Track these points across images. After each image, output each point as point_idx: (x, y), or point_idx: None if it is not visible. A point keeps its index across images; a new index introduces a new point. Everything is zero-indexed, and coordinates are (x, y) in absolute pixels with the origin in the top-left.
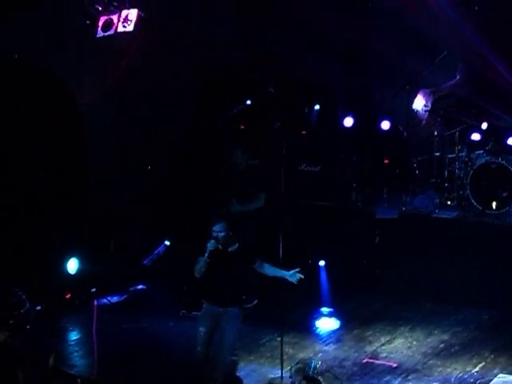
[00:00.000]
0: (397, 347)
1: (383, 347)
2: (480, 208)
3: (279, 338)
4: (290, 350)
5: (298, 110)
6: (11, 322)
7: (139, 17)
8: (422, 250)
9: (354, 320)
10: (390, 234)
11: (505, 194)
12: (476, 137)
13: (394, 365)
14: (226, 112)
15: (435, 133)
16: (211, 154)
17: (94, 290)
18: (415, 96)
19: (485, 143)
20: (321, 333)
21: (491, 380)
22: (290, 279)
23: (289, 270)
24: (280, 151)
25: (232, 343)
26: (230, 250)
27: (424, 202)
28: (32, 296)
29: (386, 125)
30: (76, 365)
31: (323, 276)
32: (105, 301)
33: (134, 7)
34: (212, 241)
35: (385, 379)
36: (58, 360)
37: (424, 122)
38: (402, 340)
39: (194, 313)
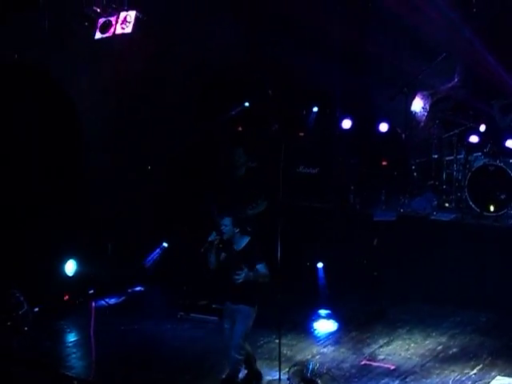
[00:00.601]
0: (395, 349)
1: (381, 349)
2: (478, 210)
3: (277, 340)
4: (288, 352)
5: (296, 112)
6: (9, 323)
7: (137, 18)
8: (420, 253)
9: (352, 322)
10: (388, 236)
11: (503, 197)
12: (474, 139)
13: (392, 367)
14: (225, 114)
15: (433, 135)
16: (209, 156)
17: (91, 291)
18: (413, 98)
19: (483, 145)
20: (319, 335)
21: (489, 382)
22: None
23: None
24: (278, 153)
25: (238, 342)
26: (238, 248)
27: (422, 205)
28: (30, 297)
29: (384, 127)
30: (74, 366)
31: (321, 278)
32: (103, 302)
33: (132, 9)
34: (213, 233)
35: (383, 381)
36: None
37: (422, 124)
38: (400, 342)
39: (191, 315)
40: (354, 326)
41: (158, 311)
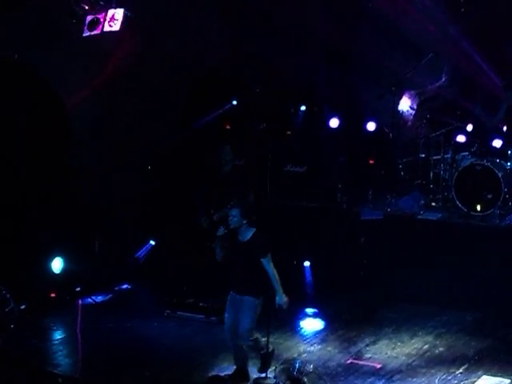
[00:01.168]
0: (381, 348)
1: (367, 348)
2: (465, 210)
3: (264, 339)
4: (275, 350)
5: (284, 111)
6: None
7: (125, 16)
8: (407, 252)
9: (339, 321)
10: (375, 235)
11: (489, 196)
12: (461, 139)
13: (378, 366)
14: (212, 112)
15: (421, 134)
16: (197, 154)
17: (78, 289)
18: (401, 97)
19: (470, 145)
20: (305, 333)
21: (475, 381)
22: (278, 300)
23: None
24: (265, 152)
25: (244, 332)
26: (243, 239)
27: (409, 204)
28: (16, 295)
29: (371, 126)
30: (60, 364)
31: (308, 277)
32: (89, 300)
33: (120, 7)
34: (221, 227)
35: (369, 380)
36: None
37: (409, 123)
38: (387, 341)
39: (178, 313)
40: (340, 325)
41: (144, 309)
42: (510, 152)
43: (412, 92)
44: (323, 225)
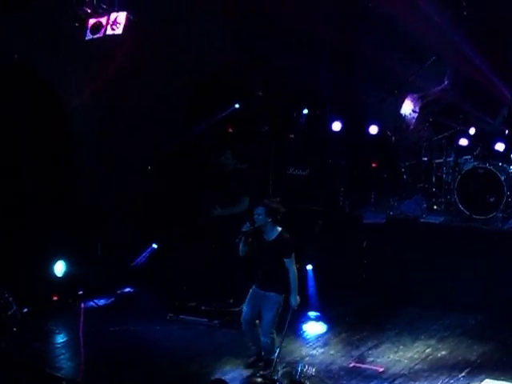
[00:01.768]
0: (383, 352)
1: (370, 351)
2: (467, 213)
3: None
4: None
5: (287, 114)
6: None
7: (128, 20)
8: (410, 255)
9: (341, 324)
10: (378, 239)
11: (492, 200)
12: (464, 142)
13: (381, 369)
14: (215, 115)
15: (423, 138)
16: (199, 157)
17: (80, 292)
18: (403, 101)
19: (472, 148)
20: (308, 337)
21: None
22: (291, 301)
23: None
24: (268, 155)
25: (266, 326)
26: (268, 238)
27: (411, 207)
28: (19, 298)
29: (374, 129)
30: (62, 367)
31: (310, 280)
32: (92, 303)
33: (122, 10)
34: (247, 223)
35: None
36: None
37: (412, 126)
38: (389, 345)
39: (181, 316)
40: (343, 328)
41: (147, 312)
42: None
43: (414, 95)
44: (325, 228)
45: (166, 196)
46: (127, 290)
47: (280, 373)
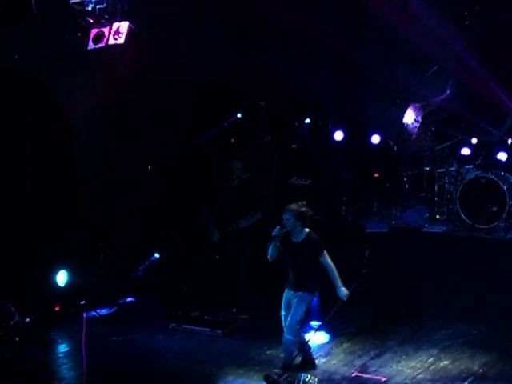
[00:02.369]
0: (386, 361)
1: (372, 361)
2: (470, 222)
3: (268, 352)
4: (278, 363)
5: (289, 124)
6: (0, 333)
7: (130, 29)
8: (412, 264)
9: (343, 334)
10: (380, 248)
11: (494, 209)
12: (466, 151)
13: (383, 379)
14: (217, 125)
15: (425, 147)
16: (202, 167)
17: (83, 302)
18: (405, 110)
19: (474, 158)
20: (310, 346)
21: None
22: (339, 293)
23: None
24: (270, 165)
25: (293, 324)
26: (297, 240)
27: (414, 217)
28: (21, 308)
29: (376, 139)
30: (65, 377)
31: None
32: (94, 313)
33: (125, 20)
34: (277, 227)
35: None
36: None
37: (414, 136)
38: (391, 354)
39: (183, 326)
40: (345, 338)
41: (149, 322)
42: None
43: (417, 105)
44: (327, 238)
45: (169, 206)
46: (129, 299)
47: (282, 382)
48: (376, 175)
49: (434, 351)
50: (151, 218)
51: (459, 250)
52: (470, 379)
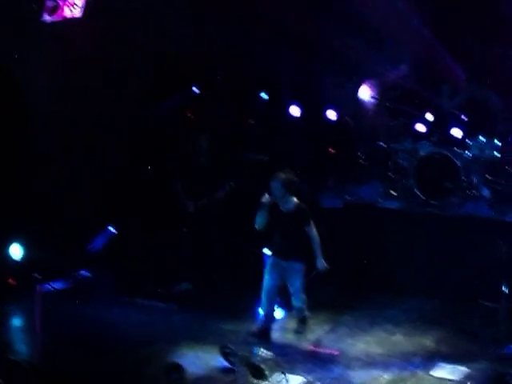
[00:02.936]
0: (340, 336)
1: (327, 336)
2: (424, 198)
3: (223, 326)
4: (235, 338)
5: (246, 99)
6: None
7: (86, 1)
8: (366, 240)
9: None
10: (335, 224)
11: (448, 185)
12: (421, 128)
13: (337, 353)
14: (174, 99)
15: (381, 123)
16: (158, 141)
17: (37, 276)
18: (361, 86)
19: (429, 134)
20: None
21: (433, 369)
22: (318, 264)
23: None
24: (227, 140)
25: (299, 294)
26: (285, 209)
27: (369, 192)
28: None
29: (332, 114)
30: (20, 351)
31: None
32: (49, 287)
33: None
34: (265, 195)
35: (327, 367)
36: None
37: (370, 112)
38: (346, 329)
39: (138, 300)
40: (293, 316)
41: (104, 296)
42: (469, 141)
43: (372, 81)
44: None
45: (125, 180)
46: (84, 273)
47: (236, 357)
48: (332, 151)
49: (388, 326)
50: (108, 193)
51: (413, 225)
52: (422, 354)
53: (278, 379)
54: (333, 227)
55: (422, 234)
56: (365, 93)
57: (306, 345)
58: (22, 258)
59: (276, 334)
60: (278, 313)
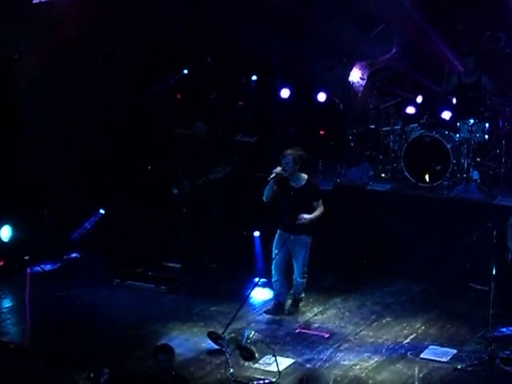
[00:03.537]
0: (329, 318)
1: (316, 317)
2: (413, 181)
3: (212, 308)
4: (223, 320)
5: (235, 81)
6: None
7: None
8: (356, 222)
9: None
10: (324, 206)
11: (438, 168)
12: (411, 110)
13: (327, 335)
14: (164, 81)
15: (371, 105)
16: (148, 123)
17: (27, 257)
18: (351, 68)
19: (419, 117)
20: (254, 303)
21: (422, 351)
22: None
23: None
24: (216, 122)
25: (302, 267)
26: (296, 185)
27: (358, 174)
28: None
29: (322, 97)
30: (8, 332)
31: (257, 246)
32: (38, 269)
33: None
34: (277, 167)
35: (317, 349)
36: None
37: (360, 94)
38: (335, 311)
39: (128, 282)
40: (289, 295)
41: (93, 278)
42: (458, 124)
43: (363, 63)
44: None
45: (115, 161)
46: (74, 255)
47: (226, 339)
48: (322, 133)
49: (377, 308)
50: (98, 174)
51: (403, 208)
52: (411, 336)
53: (268, 361)
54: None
55: (411, 216)
56: (355, 75)
57: (296, 327)
58: (12, 240)
59: (266, 317)
60: (266, 293)
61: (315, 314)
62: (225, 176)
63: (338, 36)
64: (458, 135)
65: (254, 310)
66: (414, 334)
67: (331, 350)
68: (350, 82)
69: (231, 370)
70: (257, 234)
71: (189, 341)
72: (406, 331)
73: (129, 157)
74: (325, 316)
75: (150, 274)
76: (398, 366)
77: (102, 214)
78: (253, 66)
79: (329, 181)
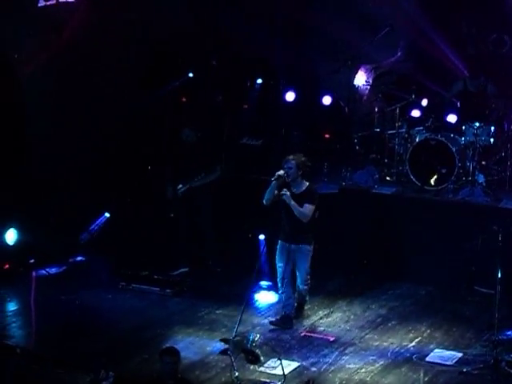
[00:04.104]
0: (334, 321)
1: (321, 321)
2: (419, 184)
3: (218, 311)
4: (229, 323)
5: (240, 84)
6: None
7: None
8: (361, 226)
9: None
10: (330, 209)
11: (443, 171)
12: (416, 113)
13: (332, 338)
14: (169, 84)
15: (376, 109)
16: (153, 126)
17: (32, 260)
18: (357, 72)
19: (424, 120)
20: (259, 306)
21: (427, 354)
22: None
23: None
24: (221, 125)
25: (305, 275)
26: (297, 191)
27: (364, 178)
28: None
29: (327, 100)
30: (14, 335)
31: (263, 250)
32: (43, 272)
33: None
34: (281, 171)
35: (322, 353)
36: None
37: (365, 97)
38: (340, 314)
39: (133, 285)
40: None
41: (99, 281)
42: (464, 127)
43: (368, 66)
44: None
45: (120, 165)
46: (79, 258)
47: (231, 342)
48: (327, 136)
49: (383, 311)
50: (103, 177)
51: (408, 211)
52: (417, 339)
53: (273, 364)
54: (327, 213)
55: (417, 219)
56: (360, 78)
57: (301, 330)
58: (17, 243)
59: (271, 319)
60: (271, 297)
61: (320, 318)
62: (210, 183)
63: (343, 39)
64: (463, 138)
65: (259, 313)
66: (420, 338)
67: (336, 353)
68: (355, 86)
69: (236, 374)
70: (262, 237)
71: (194, 344)
72: (411, 335)
73: (134, 159)
74: (330, 319)
75: (155, 277)
76: (403, 369)
77: (107, 217)
78: (258, 69)
79: (334, 184)
